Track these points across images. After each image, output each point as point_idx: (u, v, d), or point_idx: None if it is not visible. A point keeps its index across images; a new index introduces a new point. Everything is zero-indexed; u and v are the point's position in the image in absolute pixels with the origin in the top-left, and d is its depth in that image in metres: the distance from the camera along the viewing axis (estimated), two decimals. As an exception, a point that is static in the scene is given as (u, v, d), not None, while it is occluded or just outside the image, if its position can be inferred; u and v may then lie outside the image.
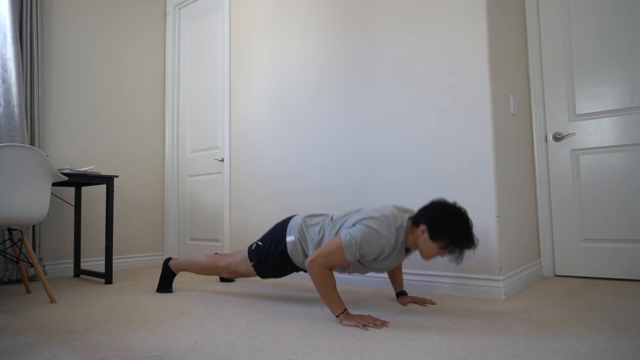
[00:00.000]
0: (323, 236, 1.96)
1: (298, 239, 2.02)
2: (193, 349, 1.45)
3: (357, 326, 1.66)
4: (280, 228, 2.12)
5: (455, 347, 1.42)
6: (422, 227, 1.73)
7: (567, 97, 2.80)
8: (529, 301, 2.07)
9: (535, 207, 2.84)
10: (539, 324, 1.66)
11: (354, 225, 1.81)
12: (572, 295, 2.18)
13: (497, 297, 2.13)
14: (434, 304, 2.05)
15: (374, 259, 1.80)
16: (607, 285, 2.42)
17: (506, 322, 1.71)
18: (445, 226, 1.67)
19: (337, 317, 1.74)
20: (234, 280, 2.88)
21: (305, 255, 2.02)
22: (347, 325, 1.69)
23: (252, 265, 2.17)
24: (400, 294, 2.11)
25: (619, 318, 1.72)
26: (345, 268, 1.93)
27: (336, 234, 1.92)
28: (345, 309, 1.75)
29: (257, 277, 3.01)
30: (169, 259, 2.53)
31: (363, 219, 1.80)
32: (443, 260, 2.33)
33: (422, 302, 2.04)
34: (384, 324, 1.68)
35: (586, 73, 2.73)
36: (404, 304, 2.05)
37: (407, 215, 1.83)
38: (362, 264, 1.86)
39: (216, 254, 2.72)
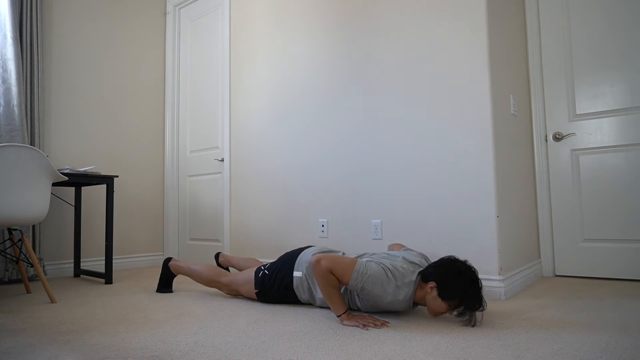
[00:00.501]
0: None
1: (305, 275, 2.01)
2: (193, 349, 1.45)
3: (358, 326, 1.67)
4: (289, 260, 2.09)
5: (455, 347, 1.42)
6: (432, 284, 1.69)
7: (567, 97, 2.80)
8: (529, 301, 2.06)
9: (535, 207, 2.84)
10: (539, 324, 1.66)
11: (375, 262, 1.79)
12: (572, 295, 2.18)
13: (497, 297, 2.13)
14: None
15: (374, 299, 1.75)
16: (607, 285, 2.42)
17: (506, 322, 1.71)
18: (455, 286, 1.64)
19: (338, 317, 1.74)
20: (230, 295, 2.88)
21: (310, 293, 2.01)
22: (347, 325, 1.69)
23: (256, 293, 2.16)
24: None
25: (619, 318, 1.72)
26: (352, 300, 1.90)
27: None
28: (347, 309, 1.75)
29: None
30: (169, 259, 2.53)
31: (381, 261, 1.78)
32: (443, 260, 2.32)
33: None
34: (384, 324, 1.68)
35: (586, 73, 2.74)
36: None
37: (417, 271, 1.79)
38: (358, 297, 1.84)
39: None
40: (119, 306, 2.15)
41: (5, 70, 2.94)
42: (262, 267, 2.18)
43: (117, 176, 2.99)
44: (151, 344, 1.51)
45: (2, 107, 2.92)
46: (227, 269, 2.86)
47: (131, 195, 3.74)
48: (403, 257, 1.85)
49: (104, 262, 3.48)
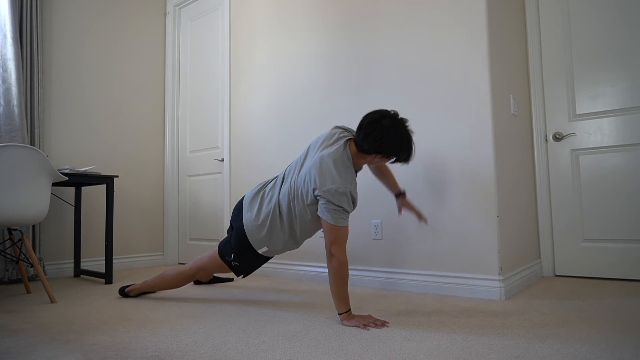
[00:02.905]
0: (261, 206, 1.97)
1: (252, 217, 1.98)
2: (193, 349, 1.45)
3: (358, 326, 1.67)
4: (237, 212, 2.07)
5: (455, 347, 1.42)
6: (377, 155, 1.83)
7: (567, 97, 2.80)
8: (529, 301, 2.07)
9: (535, 207, 2.84)
10: (539, 324, 1.66)
11: (321, 203, 1.80)
12: (572, 295, 2.18)
13: (497, 297, 2.13)
14: (426, 223, 2.20)
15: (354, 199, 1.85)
16: (607, 285, 2.42)
17: (506, 322, 1.71)
18: (400, 152, 1.81)
19: (339, 314, 1.74)
20: (232, 280, 2.88)
21: (260, 231, 1.96)
22: (347, 325, 1.69)
23: (233, 270, 2.09)
24: (399, 195, 2.17)
25: (619, 318, 1.72)
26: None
27: (279, 192, 1.95)
28: (350, 309, 1.75)
29: (258, 277, 3.01)
30: (123, 289, 2.38)
31: (320, 192, 1.79)
32: (443, 260, 2.33)
33: (419, 216, 2.16)
34: (384, 324, 1.68)
35: (586, 73, 2.73)
36: (399, 210, 2.17)
37: (343, 141, 1.89)
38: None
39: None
40: (119, 306, 2.15)
41: (5, 70, 2.94)
42: (230, 244, 2.08)
43: (117, 176, 2.99)
44: (151, 344, 1.52)
45: (2, 107, 2.92)
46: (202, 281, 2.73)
47: (131, 195, 3.74)
48: (323, 141, 1.93)
49: (104, 262, 3.48)
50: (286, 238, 1.98)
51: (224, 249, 2.10)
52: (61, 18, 3.38)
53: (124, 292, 2.38)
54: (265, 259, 2.09)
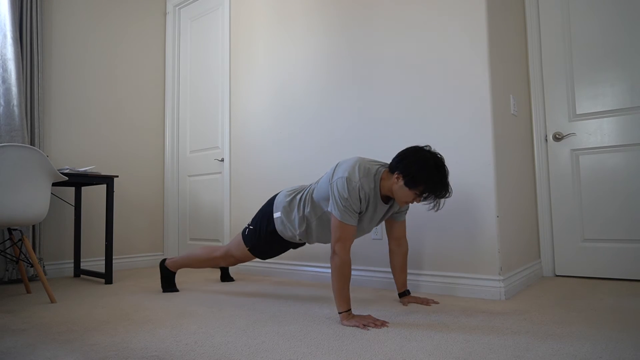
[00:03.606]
0: (304, 209, 2.01)
1: (282, 214, 2.07)
2: (193, 349, 1.45)
3: (357, 326, 1.67)
4: (268, 206, 2.17)
5: (455, 347, 1.42)
6: (397, 174, 1.74)
7: (567, 97, 2.79)
8: (529, 301, 2.06)
9: (535, 207, 2.84)
10: (539, 324, 1.66)
11: (331, 184, 1.82)
12: (572, 295, 2.18)
13: (497, 297, 2.13)
14: (437, 303, 2.05)
15: (361, 212, 1.82)
16: (607, 285, 2.42)
17: (506, 322, 1.71)
18: (420, 173, 1.68)
19: (339, 313, 1.74)
20: (233, 280, 2.89)
21: (292, 229, 2.06)
22: (347, 325, 1.69)
23: (249, 250, 2.21)
24: (403, 294, 2.11)
25: (619, 318, 1.72)
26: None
27: (311, 197, 1.99)
28: (350, 309, 1.75)
29: (258, 277, 3.01)
30: (164, 260, 2.55)
31: (333, 180, 1.82)
32: (443, 260, 2.33)
33: (425, 302, 2.04)
34: (383, 324, 1.68)
35: (586, 73, 2.73)
36: (404, 304, 2.05)
37: (377, 166, 1.86)
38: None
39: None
40: (119, 306, 2.15)
41: (5, 70, 2.94)
42: (247, 225, 2.24)
43: (117, 176, 2.99)
44: (151, 344, 1.52)
45: (2, 107, 2.92)
46: (227, 269, 2.89)
47: (131, 195, 3.74)
48: (359, 157, 1.90)
49: (104, 262, 3.48)
50: (301, 230, 2.04)
51: (245, 230, 2.24)
52: (61, 18, 3.38)
53: (164, 265, 2.53)
54: (275, 238, 2.12)
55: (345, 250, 1.76)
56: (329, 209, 1.86)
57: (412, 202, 1.77)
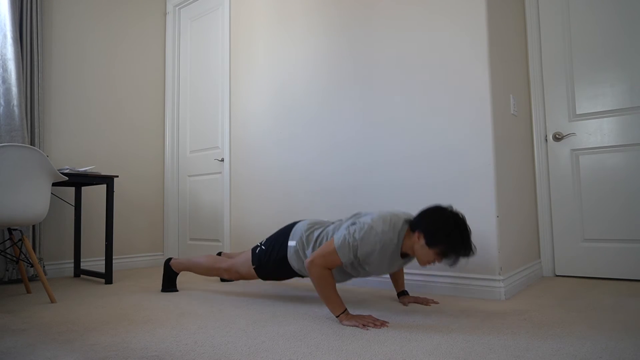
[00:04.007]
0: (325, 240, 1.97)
1: (298, 244, 2.03)
2: (193, 349, 1.45)
3: (357, 326, 1.67)
4: (285, 232, 2.13)
5: (455, 347, 1.42)
6: (418, 233, 1.71)
7: (567, 97, 2.80)
8: (529, 301, 2.06)
9: (535, 207, 2.84)
10: (539, 324, 1.66)
11: (352, 224, 1.82)
12: (572, 295, 2.18)
13: (497, 297, 2.13)
14: (437, 303, 2.05)
15: (367, 259, 1.77)
16: (607, 285, 2.42)
17: (506, 322, 1.71)
18: (442, 233, 1.64)
19: (337, 317, 1.74)
20: (233, 280, 2.89)
21: (302, 262, 2.03)
22: (347, 325, 1.69)
23: (254, 268, 2.18)
24: (402, 294, 2.11)
25: (619, 318, 1.72)
26: (346, 274, 1.93)
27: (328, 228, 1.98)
28: (345, 309, 1.75)
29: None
30: (169, 259, 2.55)
31: (360, 219, 1.82)
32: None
33: (425, 301, 2.04)
34: (383, 324, 1.68)
35: (586, 73, 2.73)
36: (404, 304, 2.05)
37: (404, 219, 1.81)
38: (359, 266, 1.84)
39: (220, 253, 2.75)
40: (119, 306, 2.15)
41: (5, 70, 2.94)
42: (259, 244, 2.22)
43: (117, 176, 2.99)
44: (151, 344, 1.52)
45: (2, 107, 2.92)
46: None
47: (131, 195, 3.74)
48: (391, 210, 1.89)
49: (104, 262, 3.48)
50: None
51: (256, 248, 2.23)
52: (61, 18, 3.38)
53: (169, 265, 2.54)
54: (284, 265, 2.09)
55: (325, 266, 1.75)
56: (334, 236, 1.81)
57: (433, 263, 1.72)
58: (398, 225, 1.77)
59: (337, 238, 1.77)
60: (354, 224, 1.81)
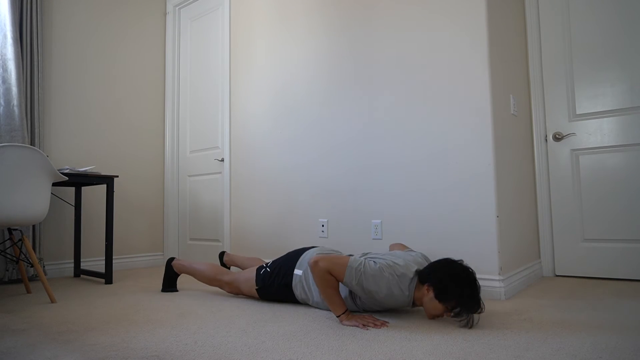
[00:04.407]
0: None
1: (304, 274, 2.02)
2: (193, 349, 1.45)
3: (357, 326, 1.67)
4: (292, 258, 2.11)
5: (455, 347, 1.42)
6: (427, 286, 1.69)
7: (567, 97, 2.80)
8: (529, 301, 2.06)
9: (535, 207, 2.84)
10: (539, 324, 1.66)
11: (371, 259, 1.80)
12: (572, 295, 2.18)
13: (497, 297, 2.13)
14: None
15: (371, 295, 1.75)
16: (607, 285, 2.42)
17: (506, 322, 1.70)
18: (452, 288, 1.62)
19: (337, 317, 1.74)
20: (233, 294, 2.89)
21: (306, 293, 2.02)
22: (347, 325, 1.69)
23: (256, 290, 2.17)
24: None
25: (619, 318, 1.72)
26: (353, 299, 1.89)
27: None
28: (347, 309, 1.75)
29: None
30: (172, 259, 2.54)
31: (378, 259, 1.79)
32: (443, 260, 2.32)
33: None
34: (383, 324, 1.68)
35: (586, 73, 2.73)
36: None
37: (414, 269, 1.78)
38: (360, 300, 1.83)
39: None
40: (119, 306, 2.15)
41: (5, 70, 2.94)
42: (264, 265, 2.19)
43: (117, 176, 2.99)
44: (151, 344, 1.51)
45: (2, 107, 2.92)
46: (229, 268, 2.89)
47: (131, 195, 3.74)
48: (404, 257, 1.85)
49: (104, 262, 3.48)
50: (319, 299, 1.99)
51: (261, 269, 2.20)
52: (61, 18, 3.38)
53: (170, 265, 2.53)
54: (287, 292, 2.07)
55: (328, 271, 1.73)
56: (353, 257, 1.79)
57: (441, 316, 1.70)
58: (406, 279, 1.74)
59: (354, 260, 1.75)
60: (374, 260, 1.78)
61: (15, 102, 2.94)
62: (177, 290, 2.53)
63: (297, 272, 2.05)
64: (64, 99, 3.35)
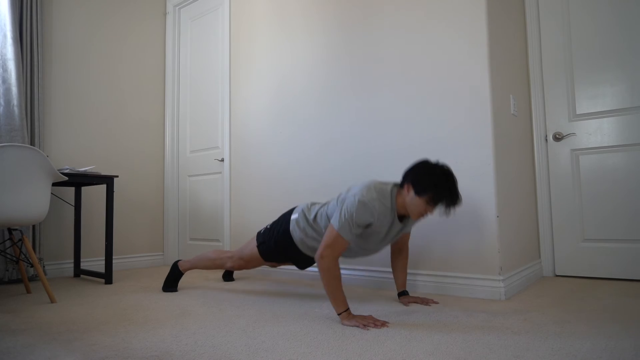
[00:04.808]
0: (325, 214, 2.01)
1: (299, 216, 2.10)
2: (193, 349, 1.45)
3: (358, 326, 1.67)
4: (288, 212, 2.22)
5: (455, 347, 1.42)
6: (407, 185, 1.80)
7: (567, 97, 2.80)
8: (529, 301, 2.07)
9: (535, 207, 2.84)
10: (539, 324, 1.66)
11: (342, 202, 1.85)
12: (572, 295, 2.18)
13: (497, 297, 2.13)
14: (437, 303, 2.05)
15: (368, 230, 1.83)
16: (607, 285, 2.42)
17: (506, 322, 1.71)
18: (428, 179, 1.74)
19: (338, 315, 1.74)
20: (234, 280, 2.89)
21: (305, 232, 2.06)
22: (347, 325, 1.69)
23: (257, 246, 2.23)
24: (402, 294, 2.11)
25: (619, 318, 1.72)
26: (355, 251, 1.98)
27: (326, 215, 1.99)
28: (348, 308, 1.75)
29: (258, 277, 3.01)
30: (178, 261, 2.60)
31: (348, 194, 1.86)
32: (443, 260, 2.33)
33: (424, 301, 2.05)
34: (384, 324, 1.68)
35: (586, 73, 2.73)
36: (405, 304, 2.05)
37: (391, 184, 1.89)
38: (363, 240, 1.89)
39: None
40: (119, 306, 2.15)
41: (5, 70, 2.94)
42: (265, 226, 2.31)
43: (117, 176, 2.99)
44: (151, 344, 1.52)
45: (2, 107, 2.92)
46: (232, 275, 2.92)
47: (131, 195, 3.74)
48: (374, 179, 1.97)
49: (104, 262, 3.48)
50: (311, 238, 2.07)
51: (261, 230, 2.31)
52: (61, 18, 3.38)
53: (176, 265, 2.57)
54: (286, 240, 2.12)
55: (334, 257, 1.77)
56: (331, 220, 1.85)
57: (425, 214, 1.79)
58: (387, 189, 1.84)
59: (335, 221, 1.80)
60: (344, 201, 1.84)
61: (15, 102, 2.94)
62: (176, 290, 2.53)
63: (294, 216, 2.12)
64: (64, 99, 3.35)
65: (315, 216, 2.04)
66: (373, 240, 1.91)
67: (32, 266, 2.91)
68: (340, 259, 2.68)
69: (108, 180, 2.92)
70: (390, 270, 2.49)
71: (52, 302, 2.27)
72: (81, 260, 3.36)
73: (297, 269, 2.93)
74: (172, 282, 2.55)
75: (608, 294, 2.20)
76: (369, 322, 1.68)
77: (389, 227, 1.87)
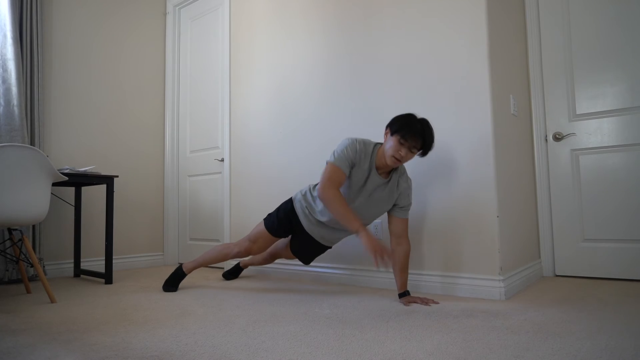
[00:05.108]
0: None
1: (303, 191, 2.30)
2: (193, 349, 1.45)
3: (368, 248, 1.83)
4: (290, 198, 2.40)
5: (455, 347, 1.42)
6: (386, 131, 2.03)
7: (567, 97, 2.80)
8: (529, 301, 2.07)
9: (535, 207, 2.84)
10: (539, 324, 1.66)
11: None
12: (572, 295, 2.18)
13: (497, 297, 2.13)
14: (437, 303, 2.05)
15: (352, 172, 2.04)
16: (607, 285, 2.42)
17: (506, 322, 1.71)
18: (402, 119, 1.97)
19: (355, 231, 1.91)
20: (235, 277, 2.90)
21: (309, 203, 2.23)
22: (363, 244, 1.85)
23: (263, 220, 2.38)
24: (403, 294, 2.11)
25: (619, 318, 1.72)
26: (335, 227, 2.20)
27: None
28: (360, 222, 1.93)
29: (259, 277, 3.01)
30: (181, 264, 2.64)
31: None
32: (443, 260, 2.33)
33: (424, 301, 2.05)
34: (384, 249, 1.84)
35: (586, 73, 2.73)
36: (405, 304, 2.05)
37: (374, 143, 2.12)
38: (348, 188, 2.08)
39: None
40: (119, 306, 2.15)
41: (5, 70, 2.94)
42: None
43: (117, 176, 2.99)
44: (151, 344, 1.52)
45: (2, 107, 2.92)
46: (234, 270, 2.96)
47: (131, 195, 3.74)
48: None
49: (104, 262, 3.48)
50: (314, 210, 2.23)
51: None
52: (61, 18, 3.38)
53: (181, 267, 2.62)
54: (289, 209, 2.29)
55: (335, 187, 1.98)
56: (326, 161, 2.08)
57: (398, 155, 1.95)
58: (370, 141, 2.09)
59: (329, 158, 2.03)
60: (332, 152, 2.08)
61: (15, 102, 2.94)
62: (176, 290, 2.53)
63: (299, 192, 2.32)
64: (64, 99, 3.35)
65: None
66: (354, 189, 2.08)
67: (32, 266, 2.91)
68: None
69: (108, 180, 2.92)
70: (391, 270, 2.49)
71: (52, 302, 2.27)
72: (81, 260, 3.36)
73: (297, 269, 2.93)
74: (173, 282, 2.55)
75: (608, 294, 2.20)
76: (377, 251, 1.82)
77: (367, 174, 2.06)
